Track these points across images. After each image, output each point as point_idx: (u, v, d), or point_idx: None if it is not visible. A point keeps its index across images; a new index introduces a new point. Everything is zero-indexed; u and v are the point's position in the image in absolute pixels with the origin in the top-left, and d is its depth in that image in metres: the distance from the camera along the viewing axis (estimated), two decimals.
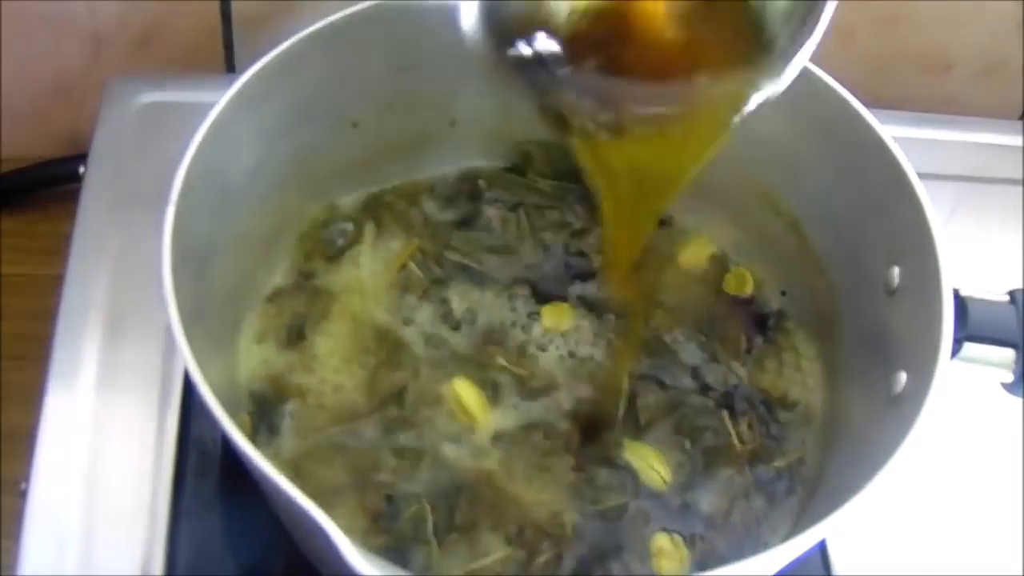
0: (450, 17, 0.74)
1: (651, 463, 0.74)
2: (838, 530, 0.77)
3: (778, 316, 0.82)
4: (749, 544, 0.72)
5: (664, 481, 0.74)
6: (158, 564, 0.73)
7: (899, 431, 0.59)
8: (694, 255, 0.84)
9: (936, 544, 0.80)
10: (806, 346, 0.80)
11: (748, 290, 0.83)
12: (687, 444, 0.76)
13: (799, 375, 0.79)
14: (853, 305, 0.75)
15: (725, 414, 0.77)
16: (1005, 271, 0.91)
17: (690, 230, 0.86)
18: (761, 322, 0.82)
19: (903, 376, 0.65)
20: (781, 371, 0.80)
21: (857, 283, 0.74)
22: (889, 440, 0.59)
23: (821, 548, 0.78)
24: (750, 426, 0.77)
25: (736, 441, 0.76)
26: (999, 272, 0.90)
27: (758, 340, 0.81)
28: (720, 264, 0.85)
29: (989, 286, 0.69)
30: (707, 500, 0.74)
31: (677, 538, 0.72)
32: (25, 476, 0.76)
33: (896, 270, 0.69)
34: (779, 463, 0.76)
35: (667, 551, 0.71)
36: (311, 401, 0.75)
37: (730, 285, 0.84)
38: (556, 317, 0.80)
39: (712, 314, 0.82)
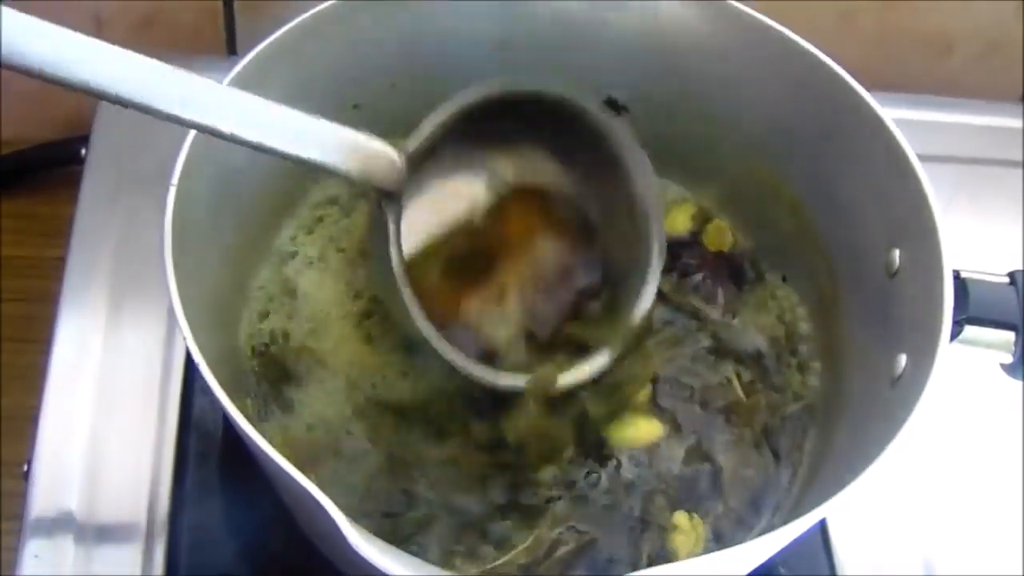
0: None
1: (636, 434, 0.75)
2: (840, 513, 0.78)
3: (755, 264, 0.83)
4: (761, 504, 0.73)
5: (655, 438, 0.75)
6: (160, 544, 0.73)
7: (899, 414, 0.59)
8: (677, 220, 0.84)
9: (937, 526, 0.80)
10: (804, 320, 0.80)
11: (726, 245, 0.83)
12: (696, 404, 0.77)
13: (791, 317, 0.80)
14: (853, 287, 0.75)
15: (730, 367, 0.78)
16: (1005, 253, 0.91)
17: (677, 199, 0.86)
18: (738, 274, 0.82)
19: (903, 358, 0.65)
20: (772, 319, 0.80)
21: (857, 265, 0.74)
22: (889, 423, 0.60)
23: (824, 531, 0.79)
24: (755, 381, 0.78)
25: (741, 393, 0.77)
26: (999, 254, 0.90)
27: (738, 292, 0.82)
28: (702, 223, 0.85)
29: (989, 268, 0.69)
30: (720, 456, 0.75)
31: (696, 518, 0.72)
32: (27, 458, 0.76)
33: (896, 252, 0.69)
34: (786, 409, 0.77)
35: (684, 529, 0.71)
36: (322, 374, 0.75)
37: (710, 239, 0.83)
38: None
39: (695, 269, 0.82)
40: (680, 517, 0.72)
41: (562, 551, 0.70)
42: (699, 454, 0.75)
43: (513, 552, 0.69)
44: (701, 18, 0.77)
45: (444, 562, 0.69)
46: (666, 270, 0.80)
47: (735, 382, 0.77)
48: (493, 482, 0.72)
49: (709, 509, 0.73)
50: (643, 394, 0.76)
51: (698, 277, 0.81)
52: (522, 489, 0.72)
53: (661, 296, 0.80)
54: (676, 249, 0.82)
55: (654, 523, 0.72)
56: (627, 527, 0.71)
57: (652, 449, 0.74)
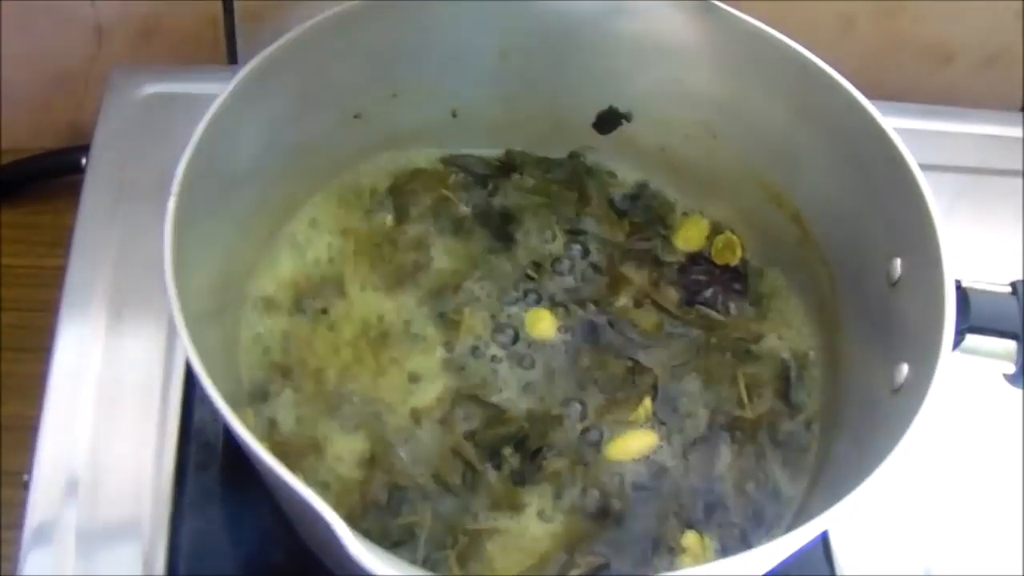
0: (451, 10, 0.75)
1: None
2: (840, 521, 0.77)
3: (758, 274, 0.83)
4: (765, 516, 0.73)
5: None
6: (160, 554, 0.73)
7: (901, 423, 0.59)
8: (692, 235, 0.84)
9: (937, 535, 0.80)
10: (804, 324, 0.80)
11: (735, 259, 0.83)
12: (699, 418, 0.77)
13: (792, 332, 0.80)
14: (855, 297, 0.75)
15: (733, 380, 0.78)
16: (1007, 262, 0.91)
17: (689, 213, 0.85)
18: (743, 286, 0.82)
19: (905, 368, 0.65)
20: (774, 330, 0.81)
21: (859, 274, 0.74)
22: (891, 432, 0.59)
23: (823, 534, 0.78)
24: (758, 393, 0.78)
25: (746, 405, 0.77)
26: (1001, 263, 0.90)
27: (742, 303, 0.82)
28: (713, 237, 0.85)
29: (991, 277, 0.69)
30: (724, 470, 0.75)
31: (707, 540, 0.72)
32: (27, 467, 0.76)
33: (898, 261, 0.69)
34: (788, 419, 0.77)
35: (694, 551, 0.71)
36: (316, 380, 0.75)
37: (719, 252, 0.83)
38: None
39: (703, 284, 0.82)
40: (690, 538, 0.71)
41: (575, 573, 0.70)
42: (703, 469, 0.74)
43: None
44: (702, 27, 0.77)
45: (434, 569, 0.69)
46: (674, 285, 0.80)
47: (741, 394, 0.77)
48: (485, 487, 0.72)
49: (715, 524, 0.73)
50: (642, 408, 0.76)
51: (708, 293, 0.81)
52: (514, 496, 0.72)
53: (668, 312, 0.80)
54: (686, 265, 0.82)
55: (664, 543, 0.72)
56: (638, 548, 0.71)
57: (655, 465, 0.74)
